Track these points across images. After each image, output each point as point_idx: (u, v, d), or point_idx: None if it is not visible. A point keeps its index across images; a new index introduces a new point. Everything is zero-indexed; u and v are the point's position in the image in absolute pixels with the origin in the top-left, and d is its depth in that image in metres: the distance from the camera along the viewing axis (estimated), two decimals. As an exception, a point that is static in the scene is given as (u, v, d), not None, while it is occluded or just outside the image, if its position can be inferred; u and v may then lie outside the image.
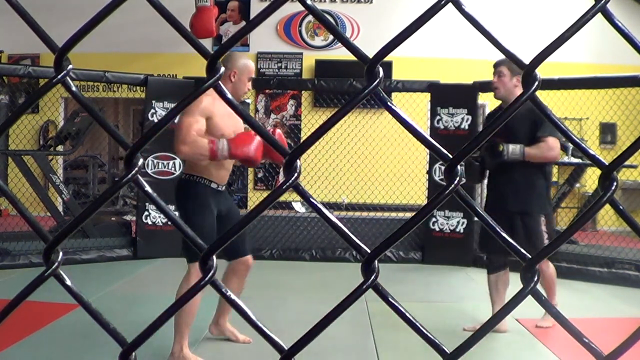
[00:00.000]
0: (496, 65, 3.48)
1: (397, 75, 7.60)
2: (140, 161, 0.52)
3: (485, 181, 3.76)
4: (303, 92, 8.54)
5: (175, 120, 2.73)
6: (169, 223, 0.63)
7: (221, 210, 2.94)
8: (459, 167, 0.50)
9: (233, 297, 0.52)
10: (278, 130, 3.33)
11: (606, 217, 7.16)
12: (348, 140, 6.40)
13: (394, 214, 6.16)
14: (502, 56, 0.53)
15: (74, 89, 0.56)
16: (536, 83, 0.49)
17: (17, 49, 8.72)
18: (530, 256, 0.50)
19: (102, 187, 9.80)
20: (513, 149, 3.29)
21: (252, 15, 8.91)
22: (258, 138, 2.81)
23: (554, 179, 8.38)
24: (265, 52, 8.91)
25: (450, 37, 8.28)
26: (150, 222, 5.64)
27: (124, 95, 7.73)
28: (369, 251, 0.50)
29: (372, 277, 0.49)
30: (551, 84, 5.04)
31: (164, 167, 5.67)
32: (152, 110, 5.66)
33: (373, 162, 6.78)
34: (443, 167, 0.50)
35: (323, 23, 0.52)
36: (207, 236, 2.73)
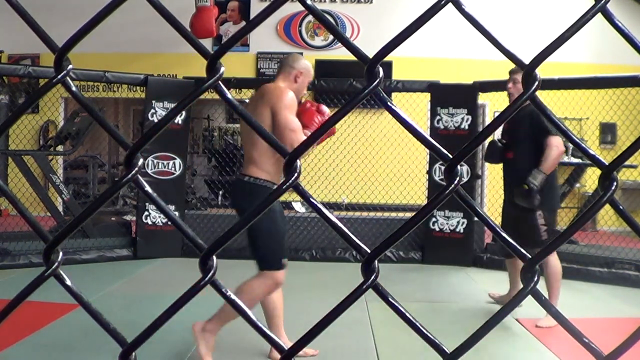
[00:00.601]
0: (512, 72, 3.73)
1: (397, 75, 7.61)
2: (140, 161, 0.52)
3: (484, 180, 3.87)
4: (303, 92, 8.54)
5: (283, 117, 2.63)
6: (169, 223, 0.63)
7: None
8: (459, 167, 0.50)
9: (233, 297, 0.52)
10: (323, 107, 3.33)
11: (606, 217, 7.17)
12: (348, 140, 6.40)
13: (394, 214, 6.16)
14: (502, 56, 0.53)
15: (74, 89, 0.56)
16: (536, 83, 0.49)
17: (17, 49, 8.72)
18: (530, 256, 0.50)
19: (102, 187, 9.80)
20: (536, 180, 3.45)
21: (252, 15, 8.91)
22: (310, 108, 2.82)
23: (554, 179, 8.42)
24: (265, 52, 8.91)
25: (450, 37, 8.28)
26: (150, 222, 5.64)
27: (124, 95, 7.74)
28: (369, 251, 0.50)
29: (372, 277, 0.49)
30: (551, 84, 5.04)
31: (164, 167, 5.67)
32: (152, 110, 5.66)
33: (373, 162, 6.77)
34: (443, 167, 0.50)
35: (323, 23, 0.52)
36: (284, 241, 2.75)
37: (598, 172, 0.50)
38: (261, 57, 8.93)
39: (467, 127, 5.60)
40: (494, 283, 4.70)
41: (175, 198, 5.65)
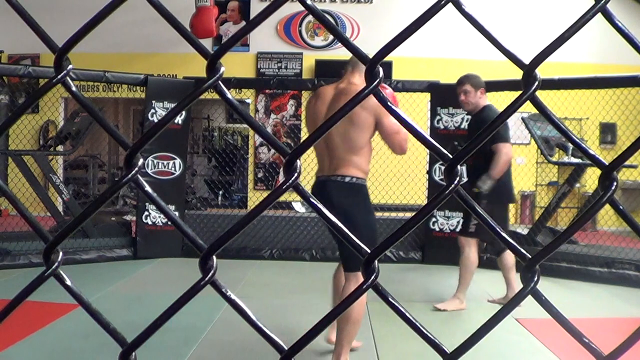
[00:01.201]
0: (460, 84, 4.01)
1: (397, 75, 7.61)
2: (140, 161, 0.52)
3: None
4: (303, 92, 8.54)
5: (387, 122, 2.73)
6: (169, 223, 0.63)
7: None
8: (459, 167, 0.50)
9: (233, 297, 0.52)
10: (389, 90, 3.33)
11: (606, 217, 7.16)
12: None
13: (394, 214, 6.16)
14: (502, 56, 0.53)
15: (74, 89, 0.56)
16: (536, 83, 0.49)
17: (17, 49, 8.72)
18: (530, 256, 0.50)
19: (102, 187, 9.81)
20: (485, 184, 3.73)
21: (252, 15, 8.91)
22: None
23: (554, 179, 8.42)
24: (265, 52, 8.91)
25: (450, 37, 8.28)
26: (150, 222, 5.64)
27: (124, 95, 7.74)
28: (369, 251, 0.50)
29: (372, 277, 0.49)
30: (551, 84, 5.04)
31: (164, 167, 5.67)
32: (152, 110, 5.66)
33: (373, 162, 6.74)
34: (443, 167, 0.50)
35: (323, 23, 0.52)
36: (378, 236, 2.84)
37: (598, 172, 0.50)
38: (261, 57, 8.92)
39: (467, 127, 5.59)
40: (494, 283, 4.70)
41: (175, 198, 5.65)
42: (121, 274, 4.94)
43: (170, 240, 5.61)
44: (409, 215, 5.50)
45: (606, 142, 8.63)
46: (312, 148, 2.95)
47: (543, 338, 3.32)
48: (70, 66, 0.55)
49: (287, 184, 0.49)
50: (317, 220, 5.76)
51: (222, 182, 8.99)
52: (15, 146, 6.53)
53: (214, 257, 0.51)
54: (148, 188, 0.53)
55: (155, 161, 5.64)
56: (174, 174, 5.71)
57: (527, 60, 0.50)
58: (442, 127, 5.68)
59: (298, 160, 0.50)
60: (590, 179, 8.07)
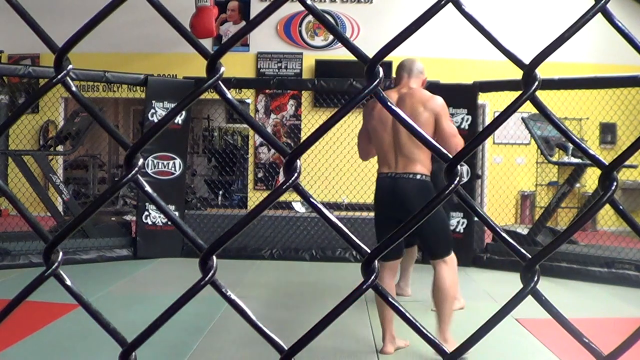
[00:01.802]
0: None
1: (397, 75, 7.59)
2: (140, 161, 0.52)
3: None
4: (303, 92, 8.54)
5: (446, 125, 2.95)
6: (169, 223, 0.63)
7: None
8: (459, 167, 0.50)
9: (233, 297, 0.52)
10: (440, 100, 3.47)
11: (606, 217, 7.17)
12: (348, 140, 6.39)
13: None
14: (502, 56, 0.53)
15: (74, 89, 0.56)
16: (536, 83, 0.49)
17: (17, 49, 8.73)
18: (530, 256, 0.50)
19: (102, 187, 9.81)
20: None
21: (252, 15, 8.91)
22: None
23: (554, 179, 8.42)
24: (265, 52, 8.91)
25: (450, 37, 8.28)
26: (150, 222, 5.64)
27: (124, 95, 7.74)
28: (369, 251, 0.50)
29: (372, 277, 0.49)
30: (551, 84, 5.04)
31: (164, 167, 5.67)
32: (152, 110, 5.67)
33: (373, 162, 6.75)
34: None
35: (323, 23, 0.52)
36: None
37: (598, 172, 0.50)
38: (261, 57, 8.93)
39: (467, 127, 5.60)
40: (494, 283, 4.70)
41: (175, 198, 5.65)
42: (121, 274, 4.94)
43: (170, 240, 5.61)
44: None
45: (606, 142, 8.64)
46: (375, 145, 3.13)
47: (543, 338, 3.32)
48: (70, 66, 0.55)
49: (287, 184, 0.49)
50: (317, 220, 5.76)
51: (222, 182, 8.99)
52: (15, 146, 6.53)
53: (214, 257, 0.51)
54: (148, 188, 0.53)
55: (155, 161, 5.64)
56: (174, 174, 5.71)
57: (527, 60, 0.50)
58: (442, 127, 5.67)
59: (298, 160, 0.50)
60: (590, 179, 8.08)
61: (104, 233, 5.66)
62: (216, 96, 0.54)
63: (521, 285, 0.49)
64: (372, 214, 6.10)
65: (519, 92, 0.49)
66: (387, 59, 0.53)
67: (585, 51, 8.20)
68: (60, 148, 6.50)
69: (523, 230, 5.99)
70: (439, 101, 2.97)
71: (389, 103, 0.51)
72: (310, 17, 8.65)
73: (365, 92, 0.49)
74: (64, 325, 3.38)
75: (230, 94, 0.52)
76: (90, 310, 0.55)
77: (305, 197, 0.51)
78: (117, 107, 11.36)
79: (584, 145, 0.56)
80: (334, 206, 6.86)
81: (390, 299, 0.51)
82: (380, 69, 0.49)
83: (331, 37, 8.91)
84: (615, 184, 0.48)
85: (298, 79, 8.61)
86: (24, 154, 5.75)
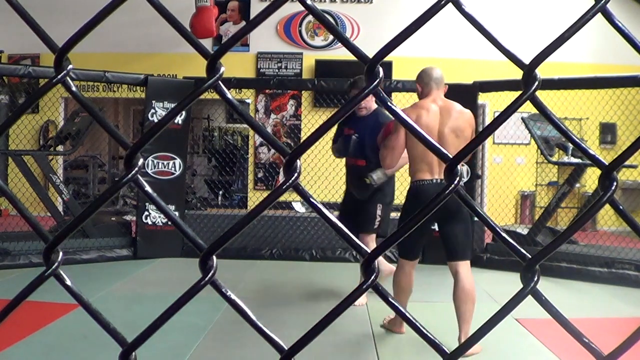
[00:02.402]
0: (356, 86, 3.98)
1: (397, 75, 7.60)
2: (140, 161, 0.52)
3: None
4: (303, 92, 8.54)
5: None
6: (169, 223, 0.63)
7: None
8: (459, 167, 0.50)
9: (233, 297, 0.52)
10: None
11: (606, 217, 7.17)
12: (348, 140, 6.39)
13: (394, 214, 6.15)
14: (502, 56, 0.53)
15: (74, 89, 0.56)
16: (536, 83, 0.49)
17: (17, 49, 8.72)
18: (530, 256, 0.50)
19: (102, 187, 9.81)
20: (378, 177, 3.85)
21: (252, 15, 8.91)
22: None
23: (554, 179, 8.42)
24: (265, 52, 8.91)
25: (450, 37, 8.28)
26: (150, 222, 5.64)
27: (124, 95, 7.74)
28: (369, 251, 0.50)
29: (372, 277, 0.49)
30: (551, 84, 5.04)
31: (164, 167, 5.67)
32: (152, 110, 5.67)
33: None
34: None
35: (323, 23, 0.52)
36: None
37: (598, 172, 0.50)
38: (261, 57, 8.92)
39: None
40: (494, 283, 4.70)
41: (175, 198, 5.65)
42: (121, 274, 4.94)
43: (170, 240, 5.61)
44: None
45: (606, 142, 8.63)
46: (417, 152, 3.19)
47: (543, 338, 3.32)
48: (70, 66, 0.55)
49: (287, 184, 0.49)
50: (317, 220, 5.76)
51: (222, 182, 8.99)
52: (15, 146, 6.53)
53: (214, 257, 0.51)
54: (148, 188, 0.53)
55: (155, 161, 5.64)
56: (174, 174, 5.71)
57: (527, 60, 0.50)
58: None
59: (298, 160, 0.50)
60: (590, 179, 8.07)
61: (104, 233, 5.66)
62: (216, 96, 0.54)
63: (521, 285, 0.49)
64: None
65: (519, 92, 0.49)
66: (387, 59, 0.53)
67: (585, 51, 8.20)
68: (60, 148, 6.50)
69: (523, 230, 5.99)
70: (472, 117, 3.27)
71: (388, 103, 0.51)
72: (310, 17, 8.65)
73: (365, 92, 0.49)
74: (64, 325, 3.38)
75: (230, 94, 0.52)
76: (90, 310, 0.55)
77: (305, 197, 0.51)
78: (117, 107, 11.36)
79: (583, 145, 0.56)
80: (334, 206, 6.85)
81: (390, 299, 0.51)
82: (380, 69, 0.49)
83: (331, 37, 8.91)
84: (615, 184, 0.48)
85: (298, 79, 8.61)
86: (24, 154, 5.75)
